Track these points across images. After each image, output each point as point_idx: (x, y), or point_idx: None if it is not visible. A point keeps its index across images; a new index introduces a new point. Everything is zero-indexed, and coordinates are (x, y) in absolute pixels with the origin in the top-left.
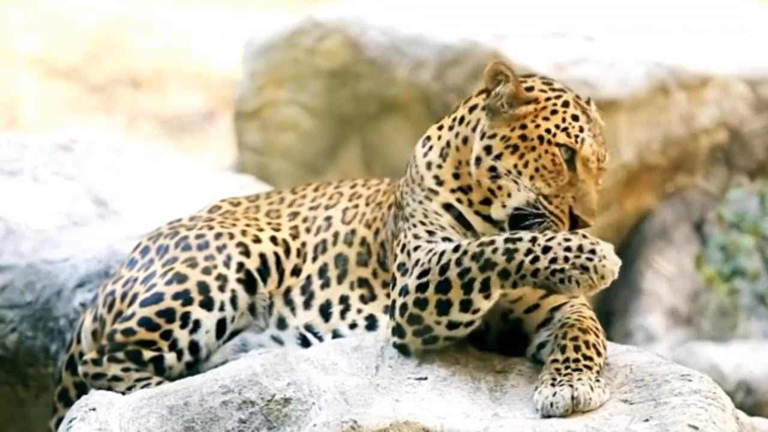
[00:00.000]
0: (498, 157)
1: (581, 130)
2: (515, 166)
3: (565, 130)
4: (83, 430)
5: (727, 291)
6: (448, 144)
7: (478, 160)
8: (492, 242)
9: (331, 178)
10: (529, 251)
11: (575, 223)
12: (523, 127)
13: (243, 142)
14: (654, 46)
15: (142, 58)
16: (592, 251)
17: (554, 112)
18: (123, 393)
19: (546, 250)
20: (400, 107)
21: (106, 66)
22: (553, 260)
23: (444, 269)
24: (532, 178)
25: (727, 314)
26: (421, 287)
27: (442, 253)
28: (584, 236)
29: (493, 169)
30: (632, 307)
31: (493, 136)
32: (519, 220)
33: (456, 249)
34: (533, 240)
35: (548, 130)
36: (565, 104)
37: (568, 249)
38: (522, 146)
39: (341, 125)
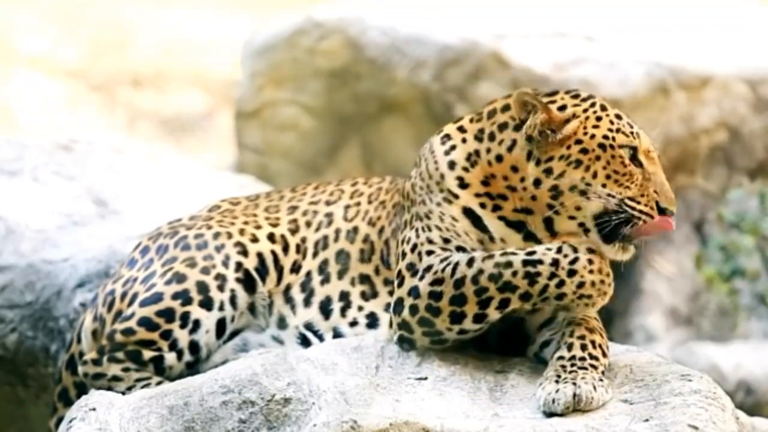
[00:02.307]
0: (561, 175)
1: (631, 125)
2: (582, 179)
3: (619, 130)
4: (83, 430)
5: (727, 291)
6: (477, 153)
7: (538, 181)
8: (509, 264)
9: (331, 178)
10: (552, 275)
11: (664, 215)
12: (579, 142)
13: (243, 142)
14: (654, 46)
15: (143, 58)
16: (608, 273)
17: (599, 118)
18: (123, 393)
19: (571, 273)
20: (400, 107)
21: (107, 66)
22: (581, 285)
23: (458, 284)
24: (604, 186)
25: (727, 314)
26: (435, 295)
27: (456, 265)
28: (598, 255)
29: (554, 188)
30: (632, 307)
31: (550, 159)
32: (603, 226)
33: (470, 264)
34: (555, 263)
35: (606, 137)
36: (603, 108)
37: (591, 272)
38: (585, 159)
39: (341, 125)
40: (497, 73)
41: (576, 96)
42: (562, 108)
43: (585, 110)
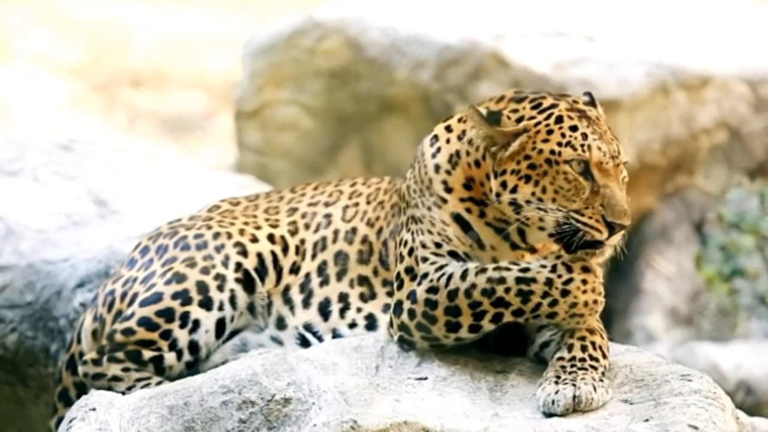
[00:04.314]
0: (514, 190)
1: (584, 137)
2: (533, 194)
3: (568, 144)
4: (83, 430)
5: (727, 291)
6: (457, 154)
7: (498, 195)
8: (502, 280)
9: (331, 178)
10: (546, 294)
11: (612, 229)
12: (527, 157)
13: (243, 142)
14: (654, 46)
15: (142, 58)
16: (600, 292)
17: (550, 131)
18: (123, 393)
19: (565, 293)
20: (400, 107)
21: (107, 66)
22: (574, 305)
23: (452, 296)
24: (554, 200)
25: (727, 314)
26: (430, 303)
27: (450, 277)
28: (593, 274)
29: (513, 202)
30: (632, 307)
31: (504, 173)
32: (563, 237)
33: (464, 276)
34: (549, 283)
35: (552, 151)
36: (559, 120)
37: (585, 292)
38: (534, 174)
39: (341, 125)
40: (497, 73)
41: (537, 106)
42: (520, 119)
43: (537, 123)
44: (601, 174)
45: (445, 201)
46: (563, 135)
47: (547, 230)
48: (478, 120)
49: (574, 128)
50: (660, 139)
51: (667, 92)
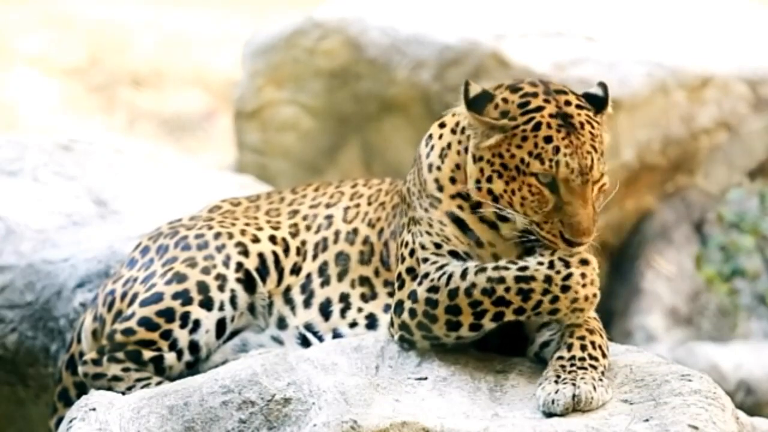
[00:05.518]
0: (490, 179)
1: (556, 151)
2: (505, 191)
3: (538, 156)
4: (83, 430)
5: (727, 291)
6: (449, 146)
7: (478, 182)
8: (502, 279)
9: (331, 178)
10: (546, 291)
11: (570, 245)
12: (501, 156)
13: (243, 142)
14: (654, 46)
15: (142, 58)
16: (597, 284)
17: (524, 138)
18: (123, 393)
19: (565, 289)
20: (400, 107)
21: (106, 66)
22: (575, 300)
23: (452, 295)
24: (522, 205)
25: (727, 314)
26: (431, 303)
27: (450, 276)
28: (591, 267)
29: (490, 191)
30: (632, 307)
31: (481, 159)
32: (524, 242)
33: (464, 276)
34: (548, 280)
35: (522, 160)
36: (536, 127)
37: (584, 286)
38: (505, 174)
39: (341, 125)
40: (497, 73)
41: (523, 105)
42: (505, 113)
43: (515, 127)
44: (567, 191)
45: (439, 201)
46: (536, 145)
47: (517, 229)
48: (463, 100)
49: (548, 139)
50: (660, 139)
51: (667, 92)
